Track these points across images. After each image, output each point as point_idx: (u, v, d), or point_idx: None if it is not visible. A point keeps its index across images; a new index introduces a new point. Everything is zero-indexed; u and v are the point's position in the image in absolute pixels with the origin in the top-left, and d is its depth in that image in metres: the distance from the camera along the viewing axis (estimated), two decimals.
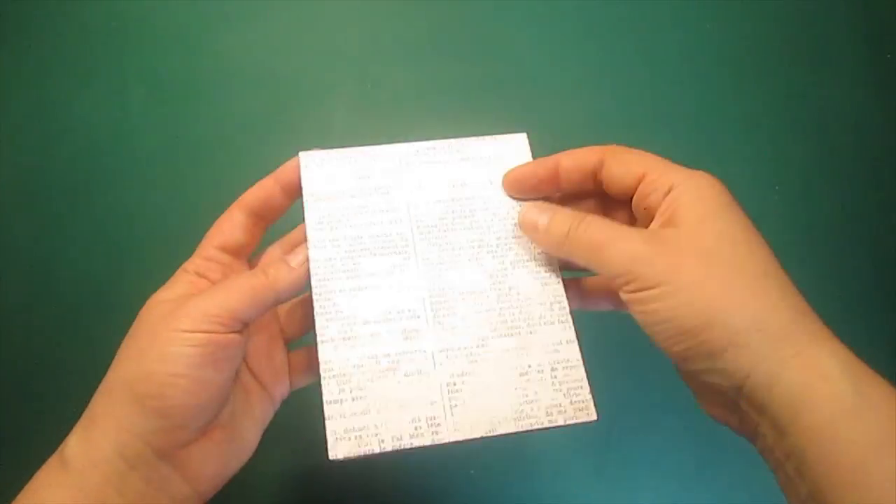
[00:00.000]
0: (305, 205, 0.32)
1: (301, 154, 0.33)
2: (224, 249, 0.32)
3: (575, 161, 0.31)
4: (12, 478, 0.46)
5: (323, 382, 0.29)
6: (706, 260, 0.25)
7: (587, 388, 0.31)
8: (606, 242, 0.27)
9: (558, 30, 0.47)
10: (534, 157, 0.34)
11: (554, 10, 0.47)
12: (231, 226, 0.32)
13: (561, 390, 0.30)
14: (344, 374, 0.30)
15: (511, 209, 0.33)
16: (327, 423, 0.29)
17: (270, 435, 0.45)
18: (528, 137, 0.35)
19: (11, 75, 0.46)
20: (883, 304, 0.45)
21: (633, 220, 0.30)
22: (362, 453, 0.28)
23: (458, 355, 0.31)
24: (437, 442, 0.29)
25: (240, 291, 0.28)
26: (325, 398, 0.29)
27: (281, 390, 0.33)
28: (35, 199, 0.46)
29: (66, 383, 0.46)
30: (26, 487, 0.27)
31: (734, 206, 0.27)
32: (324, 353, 0.30)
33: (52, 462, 0.27)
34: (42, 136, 0.46)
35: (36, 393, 0.46)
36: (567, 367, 0.31)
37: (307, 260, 0.30)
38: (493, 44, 0.47)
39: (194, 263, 0.31)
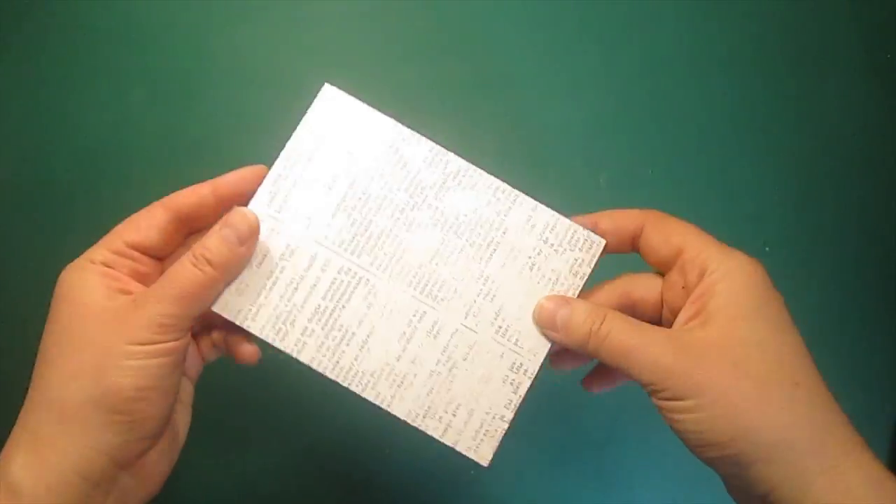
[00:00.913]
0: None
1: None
2: (134, 247, 0.28)
3: (614, 224, 0.29)
4: None
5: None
6: (735, 371, 0.25)
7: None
8: (633, 349, 0.26)
9: (556, 29, 0.47)
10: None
11: (552, 11, 0.47)
12: (148, 224, 0.29)
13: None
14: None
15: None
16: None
17: (272, 435, 0.45)
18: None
19: (12, 76, 0.46)
20: (883, 304, 0.45)
21: (664, 294, 0.29)
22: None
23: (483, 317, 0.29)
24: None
25: (187, 291, 0.26)
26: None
27: (197, 369, 0.32)
28: (35, 199, 0.46)
29: None
30: None
31: (768, 298, 0.27)
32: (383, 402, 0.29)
33: None
34: (42, 136, 0.46)
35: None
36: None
37: (250, 229, 0.28)
38: (493, 43, 0.47)
39: (101, 254, 0.28)
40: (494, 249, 0.29)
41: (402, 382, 0.29)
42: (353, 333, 0.29)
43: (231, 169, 0.47)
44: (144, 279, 0.29)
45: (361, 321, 0.29)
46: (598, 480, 0.45)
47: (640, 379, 0.26)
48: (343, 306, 0.29)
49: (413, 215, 0.29)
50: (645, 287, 0.30)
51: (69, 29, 0.46)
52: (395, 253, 0.29)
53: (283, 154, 0.30)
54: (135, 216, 0.29)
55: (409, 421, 0.29)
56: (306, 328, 0.29)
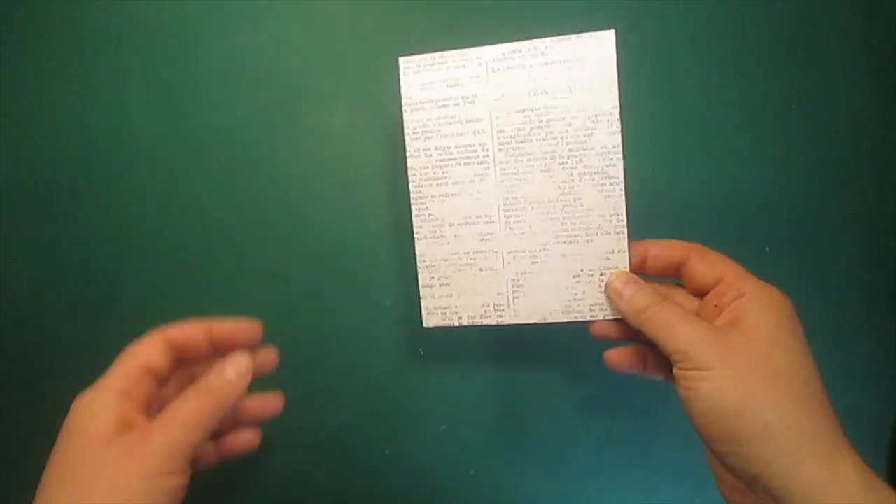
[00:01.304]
0: (404, 114, 0.36)
1: (401, 59, 0.36)
2: (147, 371, 0.32)
3: (663, 251, 0.34)
4: (12, 477, 0.46)
5: (419, 271, 0.37)
6: (755, 359, 0.28)
7: None
8: (675, 323, 0.30)
9: (556, 29, 0.47)
10: (620, 57, 0.35)
11: (552, 10, 0.47)
12: (151, 350, 0.32)
13: (605, 292, 0.35)
14: (434, 266, 0.37)
15: (586, 119, 0.35)
16: (422, 301, 0.37)
17: (275, 435, 0.45)
18: (616, 35, 0.35)
19: (11, 75, 0.46)
20: (883, 303, 0.45)
21: (698, 312, 0.34)
22: (446, 325, 0.37)
23: (524, 257, 0.36)
24: (500, 323, 0.36)
25: (193, 422, 0.29)
26: (420, 282, 0.37)
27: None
28: (35, 199, 0.46)
29: (65, 383, 0.46)
30: None
31: (793, 322, 0.30)
32: (419, 247, 0.37)
33: None
34: (42, 136, 0.46)
35: (36, 393, 0.46)
36: (614, 272, 0.35)
37: (248, 371, 0.32)
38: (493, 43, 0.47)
39: (118, 382, 0.31)
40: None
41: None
42: None
43: (230, 169, 0.48)
44: (153, 405, 0.31)
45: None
46: (598, 480, 0.45)
47: (675, 348, 0.30)
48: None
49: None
50: (683, 299, 0.34)
51: (69, 28, 0.46)
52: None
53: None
54: (137, 344, 0.32)
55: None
56: None
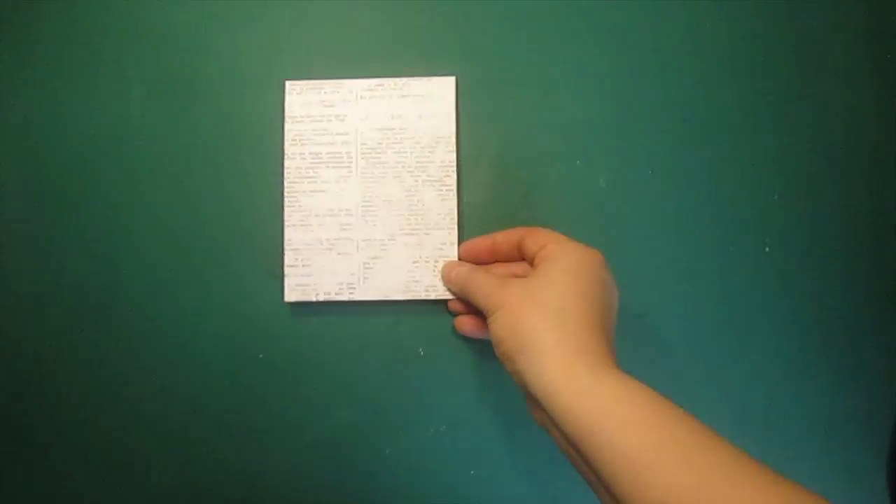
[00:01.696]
0: (285, 125, 0.44)
1: (287, 82, 0.44)
2: None
3: (505, 237, 0.42)
4: (13, 477, 0.46)
5: (285, 253, 0.44)
6: (524, 296, 0.35)
7: None
8: (479, 285, 0.39)
9: (556, 29, 0.47)
10: (461, 99, 0.45)
11: (552, 10, 0.47)
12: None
13: (438, 276, 0.44)
14: (298, 249, 0.44)
15: (431, 140, 0.44)
16: (285, 279, 0.44)
17: (272, 434, 0.45)
18: (457, 80, 0.45)
19: (12, 75, 0.46)
20: (883, 303, 0.45)
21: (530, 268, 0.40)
22: (304, 300, 0.43)
23: (374, 245, 0.44)
24: (350, 299, 0.44)
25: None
26: (285, 263, 0.44)
27: None
28: (35, 199, 0.46)
29: (66, 382, 0.46)
30: None
31: (584, 269, 0.36)
32: (288, 233, 0.44)
33: None
34: (42, 136, 0.46)
35: (36, 393, 0.46)
36: (446, 261, 0.44)
37: None
38: (493, 43, 0.47)
39: None
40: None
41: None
42: None
43: (231, 169, 0.48)
44: None
45: None
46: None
47: (479, 304, 0.38)
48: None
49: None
50: (503, 269, 0.42)
51: (69, 29, 0.46)
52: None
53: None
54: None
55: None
56: None
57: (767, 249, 0.45)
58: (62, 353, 0.46)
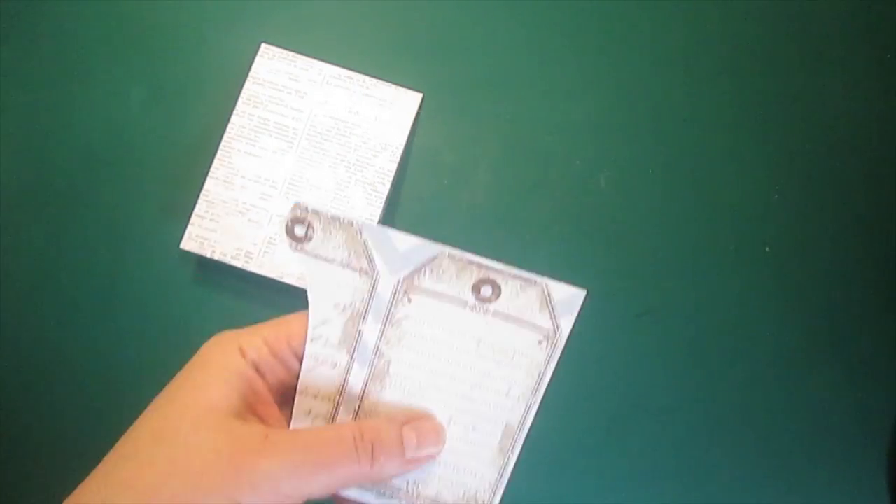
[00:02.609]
0: (245, 83, 0.44)
1: (263, 44, 0.44)
2: (291, 349, 0.25)
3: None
4: (13, 477, 0.46)
5: (198, 203, 0.43)
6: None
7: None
8: None
9: (557, 29, 0.47)
10: (423, 116, 0.44)
11: (553, 10, 0.47)
12: (301, 326, 0.25)
13: None
14: (213, 203, 0.43)
15: (378, 144, 0.44)
16: (189, 226, 0.42)
17: None
18: (422, 98, 0.44)
19: (11, 75, 0.46)
20: (883, 303, 0.45)
21: None
22: (199, 253, 0.42)
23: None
24: (244, 268, 0.42)
25: (336, 476, 0.22)
26: (195, 212, 0.43)
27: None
28: (35, 199, 0.46)
29: (66, 382, 0.46)
30: None
31: None
32: (209, 184, 0.43)
33: None
34: (42, 136, 0.46)
35: (36, 392, 0.46)
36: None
37: (428, 455, 0.25)
38: (493, 43, 0.47)
39: (255, 349, 0.24)
40: None
41: None
42: None
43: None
44: (286, 393, 0.25)
45: None
46: (598, 480, 0.45)
47: None
48: None
49: None
50: None
51: (69, 29, 0.46)
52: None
53: None
54: (290, 317, 0.26)
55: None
56: None
57: (767, 249, 0.45)
58: (62, 353, 0.46)
